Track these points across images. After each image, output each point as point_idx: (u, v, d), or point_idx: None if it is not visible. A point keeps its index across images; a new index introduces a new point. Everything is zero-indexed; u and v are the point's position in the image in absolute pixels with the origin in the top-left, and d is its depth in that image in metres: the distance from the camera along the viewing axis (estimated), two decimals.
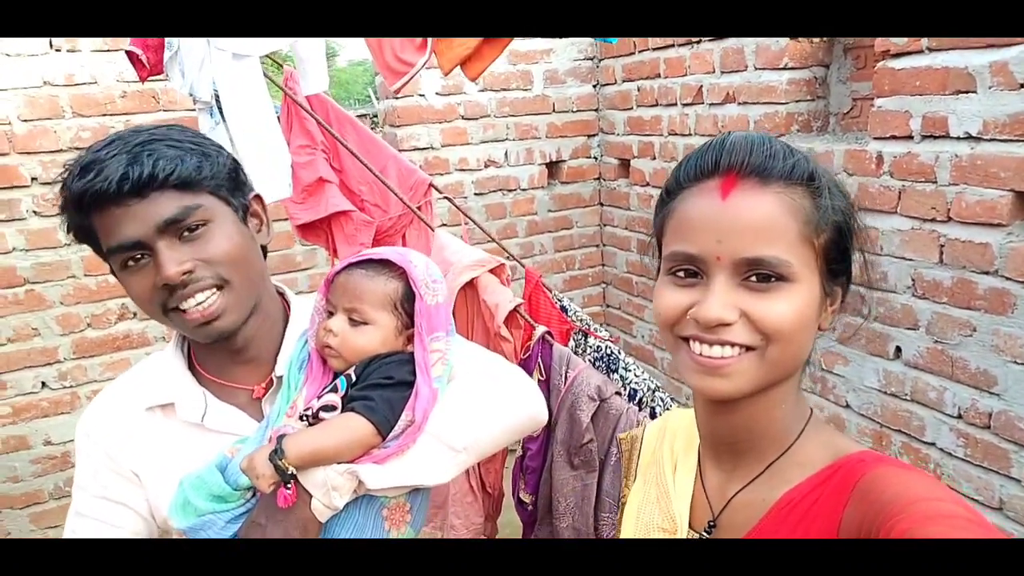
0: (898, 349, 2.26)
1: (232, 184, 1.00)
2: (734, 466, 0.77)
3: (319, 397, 1.00)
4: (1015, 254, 1.88)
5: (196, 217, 0.93)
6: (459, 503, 1.83)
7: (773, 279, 0.66)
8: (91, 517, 1.02)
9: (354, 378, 1.01)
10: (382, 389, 0.98)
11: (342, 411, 0.98)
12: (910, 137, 2.11)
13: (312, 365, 1.04)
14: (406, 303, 1.03)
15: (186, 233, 0.93)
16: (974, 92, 1.93)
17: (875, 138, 2.22)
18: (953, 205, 2.01)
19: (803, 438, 0.74)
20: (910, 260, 2.17)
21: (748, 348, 0.67)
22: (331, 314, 1.05)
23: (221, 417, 1.04)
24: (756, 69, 2.69)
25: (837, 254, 0.70)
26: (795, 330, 0.67)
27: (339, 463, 0.93)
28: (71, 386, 2.88)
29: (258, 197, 1.06)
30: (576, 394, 1.63)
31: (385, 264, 1.04)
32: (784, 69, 2.59)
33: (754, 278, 0.67)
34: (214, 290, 0.96)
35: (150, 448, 1.03)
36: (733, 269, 0.67)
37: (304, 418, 0.99)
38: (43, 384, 2.84)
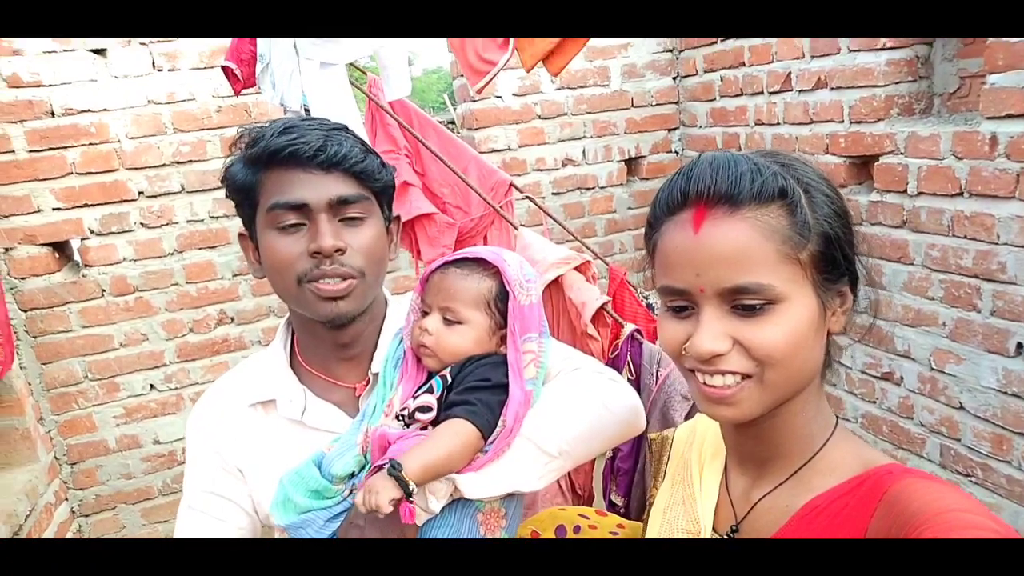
0: (1019, 345, 2.08)
1: (390, 197, 1.09)
2: (759, 472, 0.77)
3: (415, 397, 1.00)
4: None
5: (362, 207, 1.02)
6: (549, 504, 1.81)
7: (761, 304, 0.66)
8: (200, 511, 1.06)
9: (450, 379, 1.00)
10: (480, 392, 0.97)
11: (438, 413, 0.98)
12: None
13: (407, 363, 1.05)
14: (499, 302, 1.02)
15: (347, 218, 1.01)
16: None
17: (988, 118, 2.05)
18: None
19: (829, 446, 0.73)
20: None
21: (746, 376, 0.67)
22: (426, 313, 1.05)
23: (320, 414, 1.06)
24: (851, 51, 2.54)
25: (829, 261, 0.69)
26: (789, 351, 0.66)
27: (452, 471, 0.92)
28: (176, 388, 3.04)
29: (398, 218, 1.14)
30: (668, 393, 1.58)
31: (479, 263, 1.04)
32: (882, 49, 2.44)
33: (740, 306, 0.67)
34: (350, 279, 1.01)
35: (253, 444, 1.06)
36: (718, 299, 0.67)
37: (400, 418, 0.99)
38: (151, 386, 3.01)
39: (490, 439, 0.95)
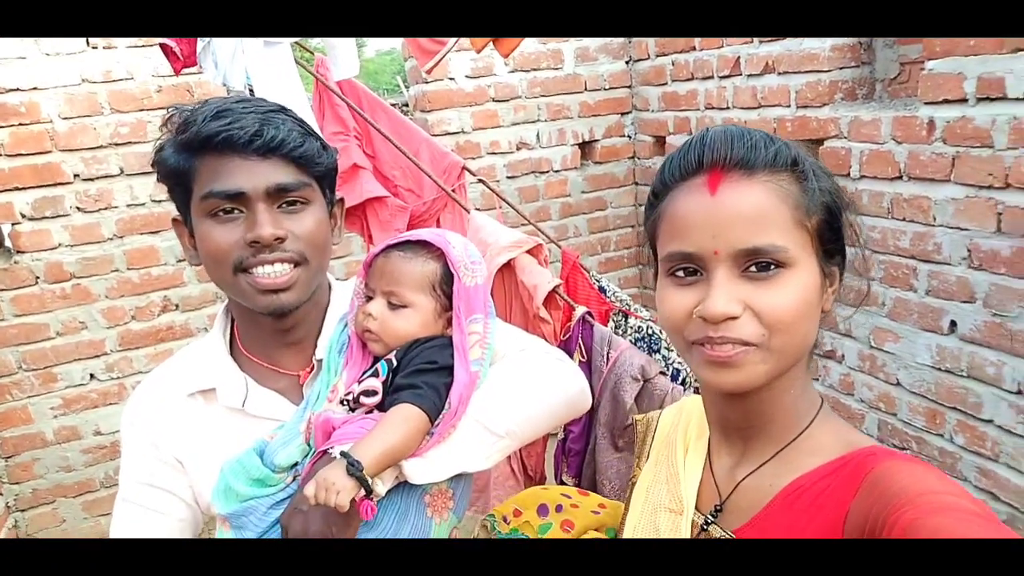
0: (953, 323, 2.17)
1: (331, 180, 1.05)
2: (743, 451, 0.77)
3: (359, 381, 0.99)
4: None
5: (302, 193, 0.97)
6: (500, 486, 1.82)
7: (772, 267, 0.66)
8: (136, 504, 1.03)
9: (395, 363, 0.99)
10: (426, 375, 0.96)
11: (383, 397, 0.97)
12: (964, 100, 2.01)
13: (352, 349, 1.03)
14: (445, 285, 1.02)
15: (286, 205, 0.97)
16: None
17: (926, 103, 2.12)
18: (1012, 170, 1.91)
19: (814, 427, 0.74)
20: (965, 230, 2.07)
21: (752, 346, 0.67)
22: (370, 298, 1.03)
23: (262, 402, 1.03)
24: (797, 36, 2.59)
25: (830, 234, 0.71)
26: (798, 317, 0.67)
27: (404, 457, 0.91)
28: (118, 377, 2.95)
29: (341, 201, 1.10)
30: (619, 375, 1.60)
31: (423, 246, 1.02)
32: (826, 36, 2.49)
33: (754, 268, 0.67)
34: (292, 265, 0.98)
35: (192, 434, 1.03)
36: (732, 262, 0.67)
37: (344, 402, 0.98)
38: (91, 376, 2.91)
39: (436, 422, 0.94)
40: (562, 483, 1.81)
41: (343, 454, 0.86)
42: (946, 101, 2.06)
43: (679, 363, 1.73)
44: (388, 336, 1.01)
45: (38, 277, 2.77)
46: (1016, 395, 2.01)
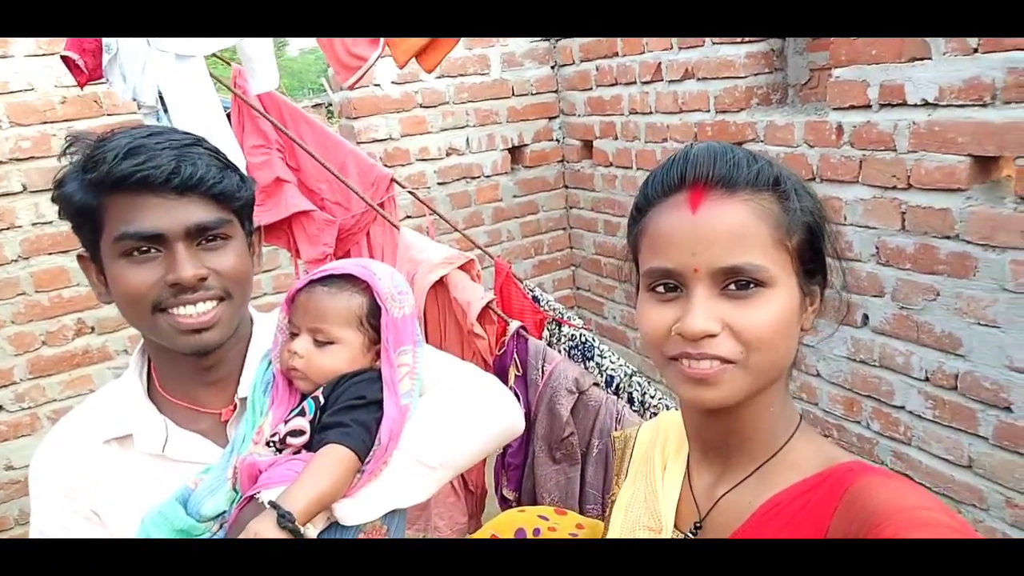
0: (865, 317, 2.29)
1: (250, 211, 1.02)
2: (722, 468, 0.77)
3: (286, 421, 0.96)
4: (974, 217, 1.91)
5: (223, 230, 0.95)
6: (442, 504, 1.81)
7: (751, 286, 0.67)
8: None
9: (323, 400, 0.97)
10: (354, 411, 0.94)
11: (311, 437, 0.94)
12: (868, 106, 2.12)
13: (277, 387, 1.00)
14: (372, 318, 1.00)
15: (205, 242, 0.94)
16: (929, 59, 1.94)
17: (834, 108, 2.23)
18: (913, 172, 2.04)
19: (792, 443, 0.74)
20: (873, 228, 2.19)
21: (730, 362, 0.67)
22: (295, 335, 1.00)
23: (183, 446, 0.99)
24: (714, 44, 2.67)
25: (811, 254, 0.71)
26: (776, 336, 0.67)
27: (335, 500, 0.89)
28: (30, 407, 2.77)
29: (259, 230, 1.08)
30: (554, 388, 1.62)
31: (348, 279, 1.00)
32: (742, 43, 2.58)
33: (733, 286, 0.67)
34: (216, 301, 0.95)
35: (109, 484, 0.98)
36: (711, 280, 0.67)
37: (271, 444, 0.95)
38: (0, 407, 2.73)
39: (366, 460, 0.93)
40: (503, 498, 1.82)
41: (272, 504, 0.84)
42: (852, 107, 2.17)
43: (613, 370, 1.76)
44: (315, 374, 0.98)
45: None
46: (924, 382, 2.14)
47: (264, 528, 0.82)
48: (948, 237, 1.99)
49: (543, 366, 1.65)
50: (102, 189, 0.90)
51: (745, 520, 0.72)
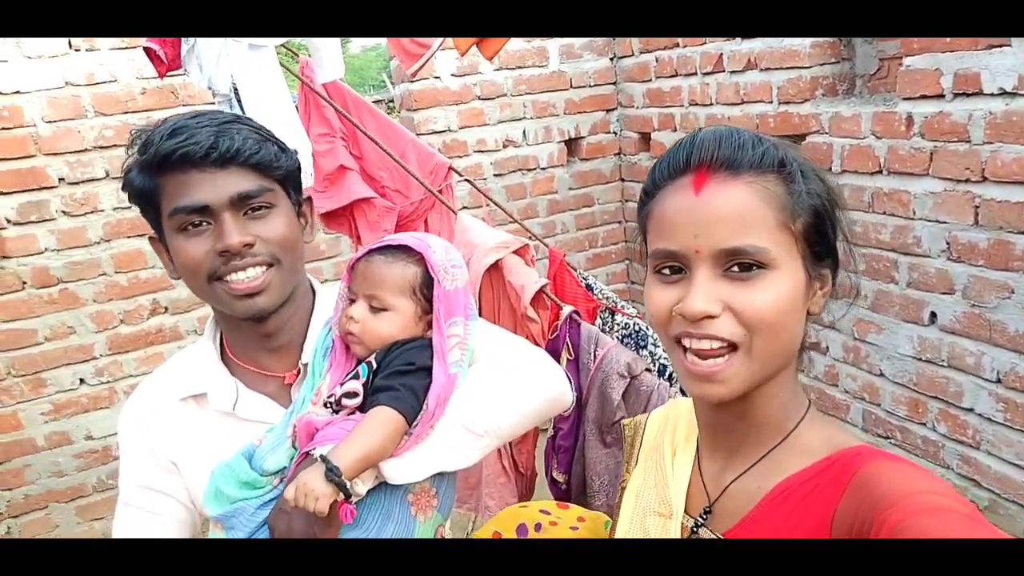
0: (933, 315, 2.21)
1: (295, 181, 1.07)
2: (731, 454, 0.78)
3: (342, 384, 1.01)
4: None
5: (265, 198, 1.00)
6: (492, 484, 1.84)
7: (754, 268, 0.67)
8: (136, 506, 1.06)
9: (375, 365, 1.01)
10: (404, 376, 0.98)
11: (364, 399, 0.99)
12: (941, 96, 2.04)
13: (336, 352, 1.05)
14: (425, 288, 1.04)
15: (251, 211, 0.99)
16: (1008, 46, 1.86)
17: (904, 99, 2.16)
18: (988, 164, 1.95)
19: (801, 428, 0.74)
20: (944, 223, 2.11)
21: (733, 346, 0.68)
22: (353, 301, 1.05)
23: (252, 406, 1.06)
24: (776, 36, 2.62)
25: (818, 237, 0.70)
26: (778, 319, 0.67)
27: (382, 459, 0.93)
28: (108, 381, 2.94)
29: (309, 199, 1.12)
30: (606, 372, 1.63)
31: (404, 250, 1.04)
32: None
33: (735, 268, 0.67)
34: (265, 267, 1.00)
35: (186, 438, 1.05)
36: (713, 261, 0.68)
37: (328, 405, 1.00)
38: (81, 380, 2.90)
39: (413, 423, 0.96)
40: (553, 480, 1.84)
41: (322, 458, 0.88)
42: (924, 97, 2.10)
43: (665, 359, 1.76)
44: (369, 339, 1.03)
45: (25, 282, 2.76)
46: (995, 384, 2.05)
47: (312, 479, 0.87)
48: None
49: (595, 351, 1.65)
50: (153, 170, 0.97)
51: (754, 505, 0.72)
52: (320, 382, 1.03)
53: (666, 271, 0.71)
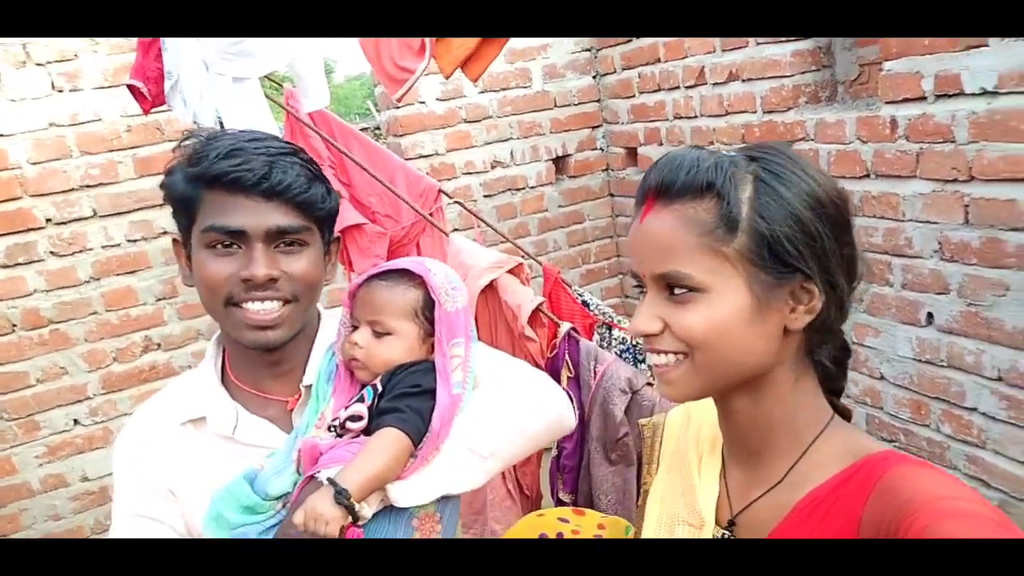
0: (930, 315, 2.21)
1: (332, 222, 1.07)
2: (753, 466, 0.78)
3: (346, 408, 1.00)
4: None
5: (301, 236, 1.00)
6: (497, 507, 1.82)
7: (685, 290, 0.70)
8: (127, 535, 1.03)
9: (380, 388, 1.01)
10: (409, 398, 0.98)
11: (369, 422, 0.98)
12: (923, 98, 2.06)
13: (340, 377, 1.05)
14: (427, 311, 1.04)
15: (283, 245, 0.99)
16: (986, 46, 1.88)
17: (887, 102, 2.18)
18: (974, 163, 1.96)
19: (821, 440, 0.74)
20: (935, 223, 2.12)
21: (682, 355, 0.71)
22: (355, 327, 1.05)
23: (252, 430, 1.05)
24: (758, 44, 2.64)
25: (770, 259, 0.68)
26: (710, 338, 0.69)
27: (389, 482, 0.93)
28: (103, 421, 2.90)
29: (338, 240, 1.12)
30: (607, 388, 1.61)
31: (404, 274, 1.05)
32: (787, 41, 2.55)
33: (674, 290, 0.71)
34: (283, 303, 1.00)
35: (184, 463, 1.04)
36: (655, 284, 0.72)
37: (332, 428, 0.99)
38: (75, 421, 2.86)
39: (419, 445, 0.96)
40: (559, 501, 1.81)
41: (331, 481, 0.87)
42: (906, 100, 2.11)
43: None
44: (374, 363, 1.03)
45: (15, 324, 2.73)
46: (997, 381, 2.04)
47: (321, 503, 0.86)
48: (1016, 229, 1.90)
49: (595, 367, 1.64)
50: (200, 183, 0.97)
51: (782, 519, 0.73)
52: (324, 406, 1.03)
53: (637, 290, 0.76)
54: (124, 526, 1.04)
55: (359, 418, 0.98)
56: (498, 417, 1.02)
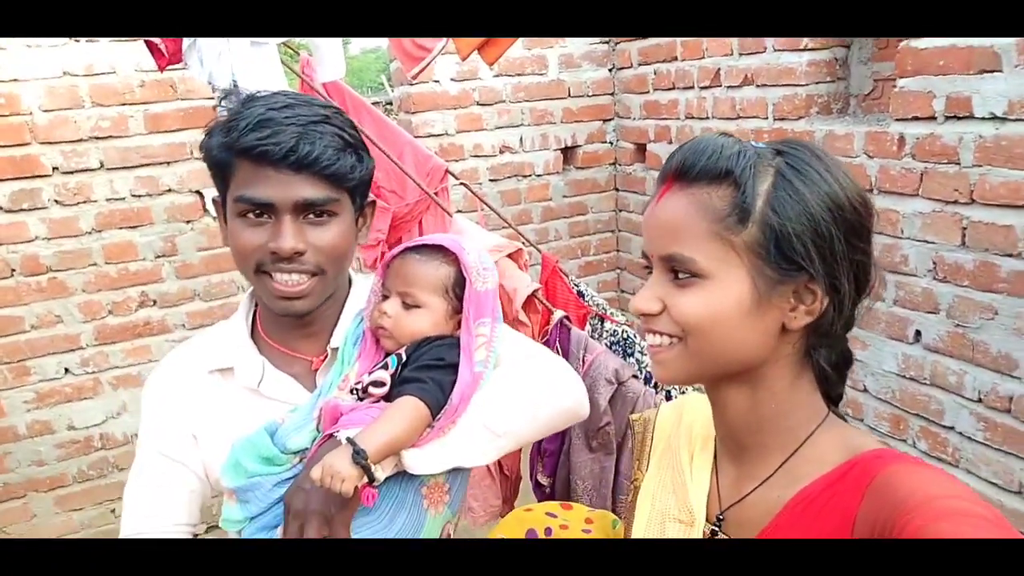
0: (918, 333, 2.24)
1: (365, 189, 1.07)
2: (745, 462, 0.78)
3: (370, 373, 1.03)
4: None
5: (329, 207, 1.00)
6: (477, 486, 1.85)
7: (688, 275, 0.70)
8: (150, 471, 1.07)
9: (405, 357, 1.04)
10: (432, 370, 1.00)
11: (391, 389, 1.01)
12: (933, 118, 2.08)
13: (366, 343, 1.08)
14: (457, 288, 1.06)
15: (312, 216, 1.00)
16: (999, 71, 1.89)
17: (897, 119, 2.19)
18: (976, 187, 1.98)
19: (816, 436, 0.73)
20: (931, 243, 2.14)
21: (677, 338, 0.72)
22: (386, 297, 1.08)
23: (277, 385, 1.08)
24: (775, 51, 2.65)
25: (776, 254, 0.68)
26: (705, 325, 0.70)
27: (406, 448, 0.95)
28: (93, 372, 2.92)
29: (373, 203, 1.12)
30: (594, 378, 1.64)
31: (439, 250, 1.07)
32: (804, 50, 2.56)
33: (678, 273, 0.71)
34: (309, 275, 1.02)
35: (209, 410, 1.07)
36: (661, 265, 0.73)
37: (354, 391, 1.02)
38: (66, 370, 2.88)
39: (436, 416, 0.98)
40: (537, 483, 1.84)
41: (350, 441, 0.90)
42: (916, 118, 2.13)
43: (651, 367, 1.77)
44: (400, 334, 1.05)
45: (14, 269, 2.74)
46: (976, 403, 2.08)
47: (339, 462, 0.88)
48: (1010, 255, 1.93)
49: (584, 356, 1.67)
50: (232, 152, 0.98)
51: (774, 516, 0.72)
52: (348, 369, 1.05)
53: (647, 268, 0.77)
54: (147, 463, 1.08)
55: (381, 384, 1.01)
56: (516, 398, 1.05)
